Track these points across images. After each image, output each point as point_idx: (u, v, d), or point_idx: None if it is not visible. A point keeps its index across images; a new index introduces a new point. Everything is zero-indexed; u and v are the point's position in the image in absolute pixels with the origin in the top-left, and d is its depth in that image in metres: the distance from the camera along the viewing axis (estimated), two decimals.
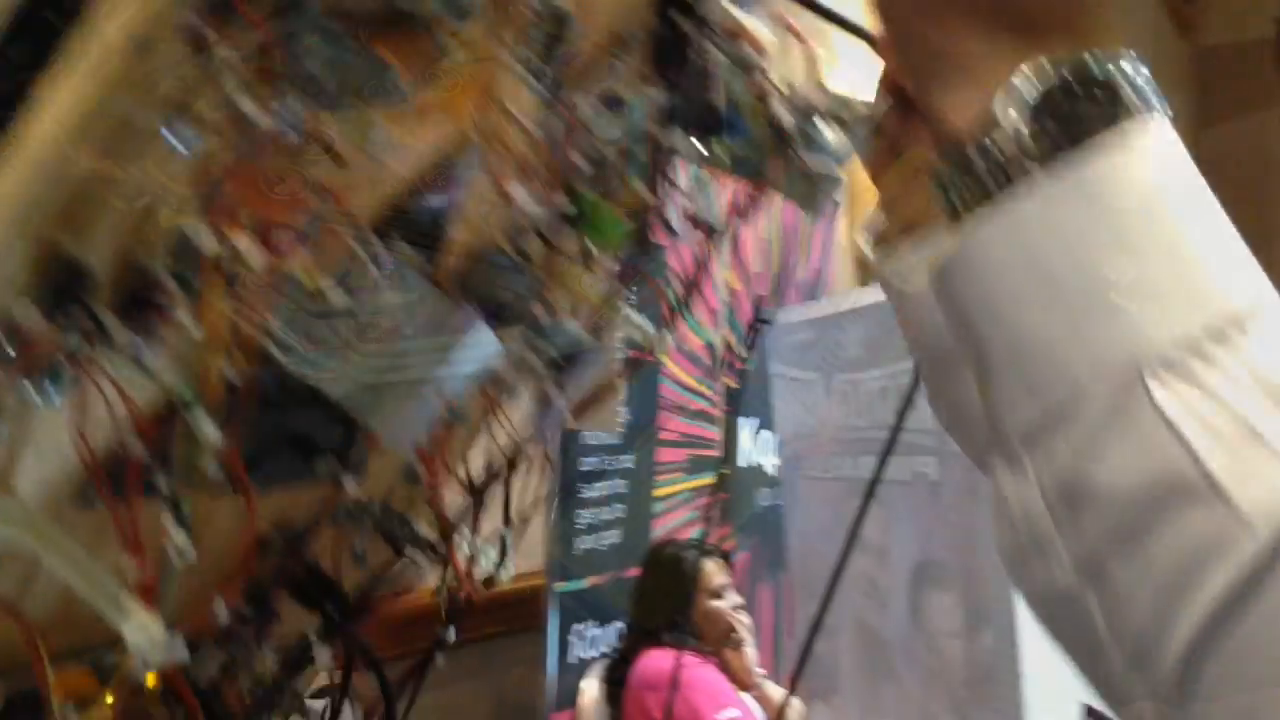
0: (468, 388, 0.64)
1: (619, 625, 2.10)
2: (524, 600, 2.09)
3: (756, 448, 2.64)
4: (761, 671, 2.11)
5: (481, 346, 0.62)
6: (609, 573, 2.13)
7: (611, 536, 2.16)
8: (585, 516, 2.09)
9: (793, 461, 2.45)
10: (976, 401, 0.50)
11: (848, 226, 3.56)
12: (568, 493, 2.03)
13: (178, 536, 0.55)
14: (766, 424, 2.59)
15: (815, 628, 1.58)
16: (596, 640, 2.10)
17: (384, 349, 0.57)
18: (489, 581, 0.93)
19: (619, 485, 2.19)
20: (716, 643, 2.01)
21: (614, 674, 1.98)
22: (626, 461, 2.21)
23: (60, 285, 0.52)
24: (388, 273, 0.58)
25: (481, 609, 2.37)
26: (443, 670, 2.17)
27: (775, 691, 2.10)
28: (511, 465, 0.90)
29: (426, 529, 0.89)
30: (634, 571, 2.10)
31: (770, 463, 2.63)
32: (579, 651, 2.06)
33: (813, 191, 0.81)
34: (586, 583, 2.09)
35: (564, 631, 2.02)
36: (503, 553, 0.92)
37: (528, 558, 2.15)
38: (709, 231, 0.85)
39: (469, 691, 2.17)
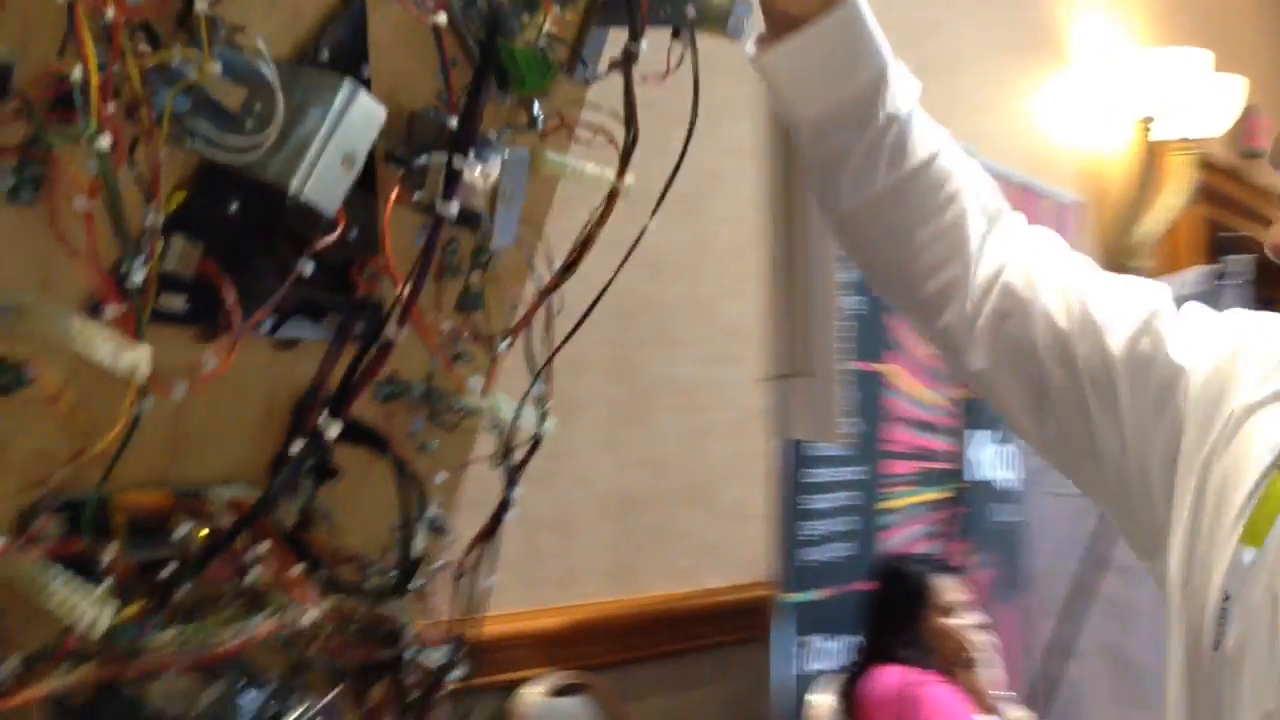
0: (366, 143, 0.75)
1: (850, 639, 2.07)
2: (753, 610, 2.10)
3: (999, 462, 2.56)
4: (1007, 694, 2.04)
5: (365, 108, 0.74)
6: (839, 585, 2.11)
7: (841, 549, 2.14)
8: (813, 528, 2.08)
9: (1034, 476, 2.35)
10: (833, 166, 0.84)
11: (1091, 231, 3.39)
12: (792, 504, 2.03)
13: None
14: (1009, 437, 2.50)
15: (1059, 650, 1.52)
16: (826, 653, 2.08)
17: (276, 125, 0.69)
18: (536, 441, 1.02)
19: (848, 497, 2.17)
20: (950, 661, 1.96)
21: (845, 689, 1.96)
22: (855, 473, 2.19)
23: None
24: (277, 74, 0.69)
25: (711, 617, 2.41)
26: (673, 677, 2.23)
27: (1018, 715, 2.02)
28: (526, 322, 1.00)
29: (469, 400, 1.01)
30: (864, 585, 2.07)
31: (1005, 477, 2.54)
32: (808, 664, 2.05)
33: (712, 8, 0.88)
34: (816, 595, 2.07)
35: (793, 643, 2.02)
36: (542, 411, 1.03)
37: (752, 568, 2.16)
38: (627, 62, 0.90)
39: (698, 699, 2.19)
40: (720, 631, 2.21)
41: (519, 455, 1.02)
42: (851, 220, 0.91)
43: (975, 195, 0.90)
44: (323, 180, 0.71)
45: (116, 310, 0.67)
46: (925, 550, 2.29)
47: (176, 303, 0.78)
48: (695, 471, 2.24)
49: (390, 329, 0.76)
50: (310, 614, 0.86)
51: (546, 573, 2.01)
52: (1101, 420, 0.84)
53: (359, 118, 0.72)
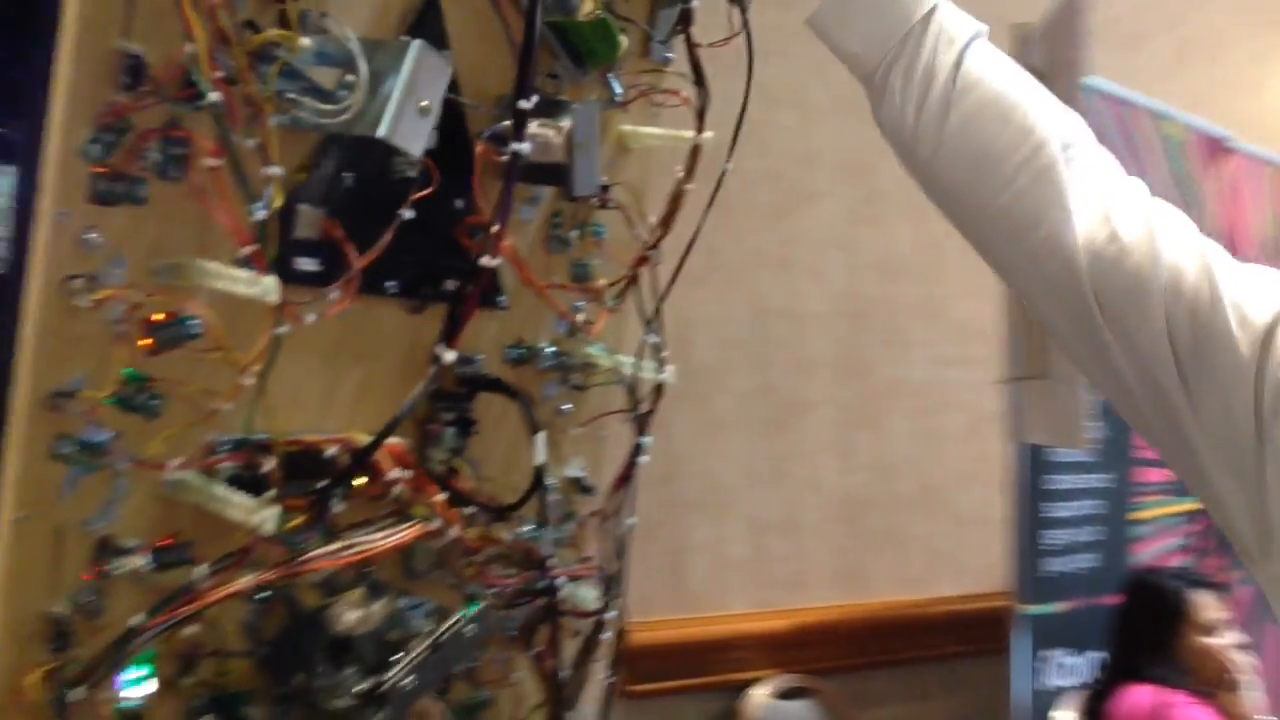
0: (439, 93, 0.88)
1: (1095, 655, 1.97)
2: (988, 621, 2.04)
3: None
4: (1268, 719, 1.90)
5: (433, 62, 0.87)
6: (1084, 598, 2.01)
7: (1087, 560, 2.04)
8: (1055, 537, 1.99)
9: None
10: (900, 110, 0.85)
11: None
12: (1031, 512, 1.94)
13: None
14: None
15: None
16: (1070, 669, 1.99)
17: (361, 90, 0.84)
18: (659, 389, 1.15)
19: (1094, 506, 2.06)
20: (1209, 683, 1.83)
21: (1090, 706, 1.87)
22: (1102, 481, 2.08)
23: (128, 72, 0.81)
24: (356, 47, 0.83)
25: (944, 626, 2.36)
26: (903, 686, 2.19)
27: None
28: (636, 277, 1.12)
29: (594, 358, 1.12)
30: (1113, 599, 1.97)
31: None
32: (1050, 679, 1.96)
33: None
34: (1058, 607, 1.99)
35: (1032, 657, 1.94)
36: (661, 359, 1.14)
37: (988, 577, 2.09)
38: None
39: (929, 711, 2.14)
40: (953, 641, 2.15)
41: (645, 406, 1.14)
42: (934, 167, 0.86)
43: (1064, 146, 0.83)
44: (404, 126, 0.85)
45: (248, 250, 0.82)
46: (1181, 564, 2.16)
47: (310, 264, 0.93)
48: (928, 475, 2.18)
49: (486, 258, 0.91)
50: (453, 529, 0.99)
51: (775, 575, 2.01)
52: (1217, 416, 0.78)
53: (428, 71, 0.87)
